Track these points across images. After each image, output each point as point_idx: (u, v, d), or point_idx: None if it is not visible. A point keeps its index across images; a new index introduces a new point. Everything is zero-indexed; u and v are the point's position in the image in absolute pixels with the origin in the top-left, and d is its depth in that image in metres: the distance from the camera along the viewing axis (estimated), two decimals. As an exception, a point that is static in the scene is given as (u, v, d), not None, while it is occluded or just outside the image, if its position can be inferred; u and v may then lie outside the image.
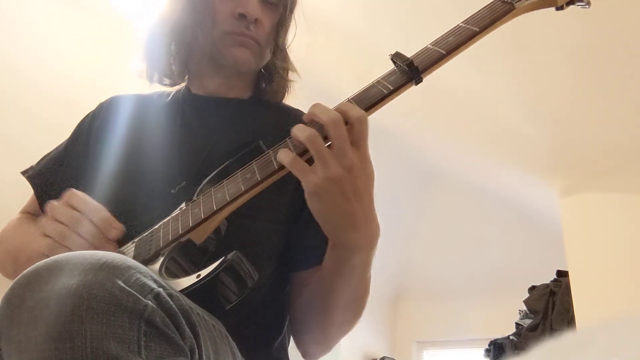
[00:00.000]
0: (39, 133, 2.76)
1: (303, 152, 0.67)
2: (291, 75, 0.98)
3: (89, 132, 0.97)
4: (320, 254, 0.77)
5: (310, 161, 0.67)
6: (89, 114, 1.02)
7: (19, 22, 2.61)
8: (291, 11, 0.94)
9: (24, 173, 0.98)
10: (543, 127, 2.66)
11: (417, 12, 2.31)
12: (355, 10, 2.38)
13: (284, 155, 0.67)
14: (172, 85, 0.98)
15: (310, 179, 0.65)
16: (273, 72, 0.96)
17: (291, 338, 0.91)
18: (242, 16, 0.87)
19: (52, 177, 0.96)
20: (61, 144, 1.01)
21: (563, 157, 2.81)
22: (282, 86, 0.96)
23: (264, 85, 0.98)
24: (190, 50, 0.94)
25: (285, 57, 0.95)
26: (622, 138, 2.55)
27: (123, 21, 2.80)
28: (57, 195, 0.78)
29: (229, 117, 0.93)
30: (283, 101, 0.99)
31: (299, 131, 0.66)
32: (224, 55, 0.90)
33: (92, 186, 0.89)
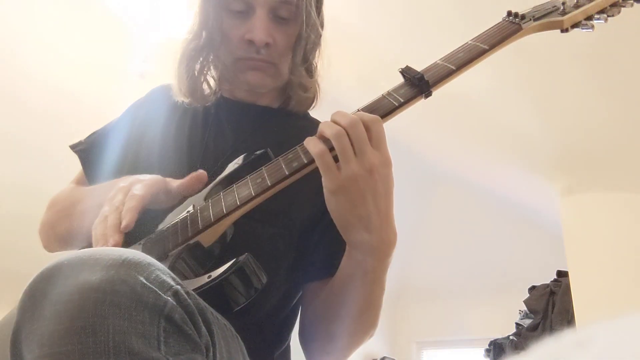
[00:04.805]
0: (40, 129, 2.77)
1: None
2: (313, 90, 0.96)
3: (134, 119, 0.99)
4: (332, 265, 0.78)
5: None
6: (139, 100, 1.04)
7: (20, 20, 2.61)
8: (308, 25, 0.90)
9: (73, 147, 1.01)
10: (544, 127, 2.67)
11: (418, 16, 2.31)
12: (356, 13, 2.38)
13: (314, 145, 0.67)
14: (202, 102, 0.97)
15: (332, 176, 0.67)
16: (290, 90, 0.95)
17: (290, 349, 0.92)
18: (251, 42, 0.86)
19: (97, 155, 0.98)
20: (110, 123, 1.03)
21: (563, 157, 2.81)
22: (302, 102, 0.95)
23: (290, 95, 0.97)
24: (216, 70, 0.96)
25: (301, 74, 0.93)
26: (623, 138, 2.55)
27: (124, 20, 2.80)
28: (102, 171, 0.87)
29: (256, 124, 0.94)
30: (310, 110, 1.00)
31: (327, 127, 0.67)
32: (239, 80, 0.91)
33: (118, 174, 0.90)
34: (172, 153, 0.90)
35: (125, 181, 0.76)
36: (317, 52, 0.96)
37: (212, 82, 0.97)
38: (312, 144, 0.68)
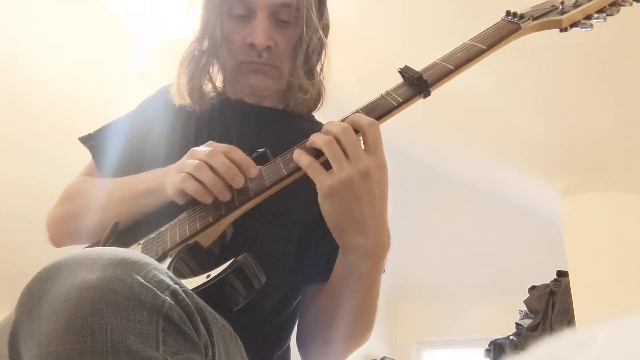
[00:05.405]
0: (40, 129, 2.77)
1: (318, 158, 0.70)
2: (315, 92, 0.95)
3: (142, 118, 1.00)
4: (331, 269, 0.78)
5: (325, 167, 0.69)
6: (149, 97, 1.04)
7: (21, 20, 2.61)
8: (309, 28, 0.89)
9: (83, 141, 1.01)
10: (544, 127, 2.67)
11: (418, 16, 2.31)
12: (356, 13, 2.38)
13: (302, 158, 0.70)
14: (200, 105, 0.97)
15: (325, 181, 0.67)
16: (288, 92, 0.95)
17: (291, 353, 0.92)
18: (252, 45, 0.87)
19: (107, 151, 0.99)
20: (120, 118, 1.03)
21: (563, 157, 2.82)
22: (300, 104, 0.95)
23: (289, 97, 0.97)
24: (220, 73, 0.97)
25: (300, 77, 0.92)
26: (623, 138, 2.55)
27: (124, 20, 2.80)
28: (107, 168, 0.90)
29: (260, 124, 0.94)
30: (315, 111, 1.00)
31: (317, 138, 0.69)
32: (241, 83, 0.92)
33: (123, 173, 0.90)
34: (177, 151, 0.90)
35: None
36: (323, 54, 0.96)
37: (215, 85, 0.97)
38: (301, 158, 0.70)
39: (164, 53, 2.77)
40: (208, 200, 0.72)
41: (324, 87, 0.97)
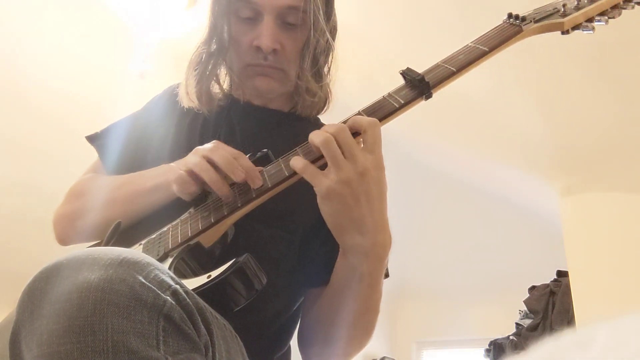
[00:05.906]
0: (40, 129, 2.77)
1: (315, 160, 0.70)
2: (323, 94, 0.95)
3: (149, 116, 1.00)
4: (332, 271, 0.78)
5: (322, 168, 0.69)
6: (157, 96, 1.04)
7: (21, 20, 2.62)
8: (316, 30, 0.89)
9: (91, 140, 1.01)
10: (544, 127, 2.67)
11: (418, 16, 2.31)
12: (356, 13, 2.38)
13: (296, 162, 0.70)
14: (207, 107, 0.97)
15: (322, 183, 0.67)
16: (297, 95, 0.95)
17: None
18: (258, 48, 0.87)
19: (112, 150, 0.99)
20: (128, 116, 1.03)
21: (563, 156, 2.82)
22: (308, 107, 0.95)
23: (297, 100, 0.97)
24: (227, 75, 0.97)
25: (308, 79, 0.92)
26: (623, 137, 2.55)
27: (124, 20, 2.80)
28: (111, 167, 0.92)
29: (266, 126, 0.95)
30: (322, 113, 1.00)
31: (315, 136, 0.69)
32: (248, 85, 0.93)
33: (127, 172, 0.90)
34: (182, 151, 0.90)
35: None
36: (330, 57, 0.96)
37: (222, 86, 0.97)
38: (295, 162, 0.70)
39: (164, 53, 2.78)
40: (192, 187, 0.74)
41: (330, 90, 0.97)
